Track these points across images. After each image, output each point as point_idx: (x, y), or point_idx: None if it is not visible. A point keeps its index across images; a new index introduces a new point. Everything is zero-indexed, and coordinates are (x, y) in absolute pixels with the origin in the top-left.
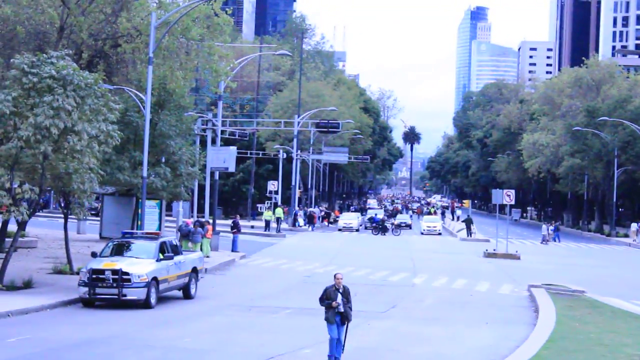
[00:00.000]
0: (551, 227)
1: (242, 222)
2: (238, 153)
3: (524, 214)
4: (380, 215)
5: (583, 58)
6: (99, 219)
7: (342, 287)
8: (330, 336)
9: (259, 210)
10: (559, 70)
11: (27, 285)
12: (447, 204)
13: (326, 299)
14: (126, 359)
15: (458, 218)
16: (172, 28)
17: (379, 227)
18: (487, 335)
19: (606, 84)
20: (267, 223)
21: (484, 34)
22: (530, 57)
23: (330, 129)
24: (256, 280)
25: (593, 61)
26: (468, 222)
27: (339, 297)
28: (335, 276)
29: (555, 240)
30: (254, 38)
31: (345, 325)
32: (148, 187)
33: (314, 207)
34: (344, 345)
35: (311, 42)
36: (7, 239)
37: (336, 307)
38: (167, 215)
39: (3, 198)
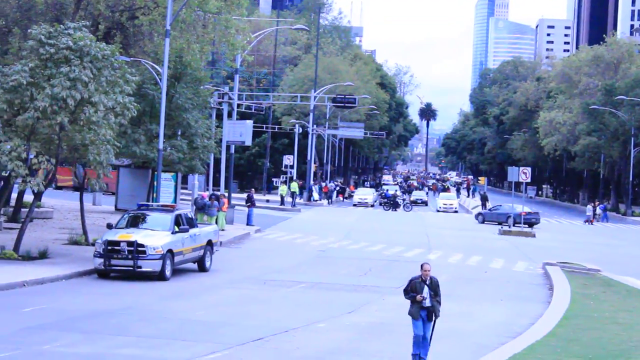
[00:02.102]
0: (600, 206)
1: (257, 196)
2: (254, 127)
3: (539, 192)
4: (394, 191)
5: (604, 36)
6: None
7: (429, 278)
8: (414, 333)
9: (274, 184)
10: (577, 48)
11: (43, 255)
12: (460, 181)
13: (411, 291)
14: (140, 330)
15: (474, 195)
16: (189, 0)
17: (390, 202)
18: (501, 312)
19: (624, 63)
20: (282, 197)
21: (502, 11)
22: (548, 35)
23: (346, 104)
24: (271, 254)
25: (612, 39)
26: (484, 199)
27: (426, 289)
28: (422, 267)
29: (604, 221)
30: (271, 12)
31: (433, 322)
32: (164, 159)
33: (329, 182)
34: (430, 343)
35: (328, 17)
36: (23, 209)
37: (421, 301)
38: (182, 188)
39: (19, 168)
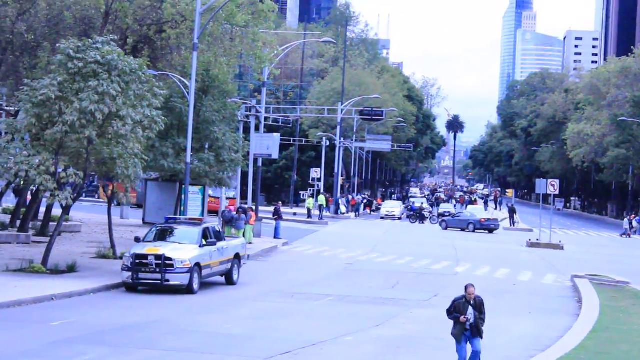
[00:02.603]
0: (636, 219)
1: (284, 209)
2: (281, 140)
3: (567, 204)
4: (419, 204)
5: (632, 47)
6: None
7: (473, 299)
8: (458, 355)
9: (301, 197)
10: (605, 60)
11: (71, 269)
12: (487, 193)
13: (455, 311)
14: (168, 344)
15: (501, 207)
16: (216, 14)
17: (416, 215)
18: (529, 325)
19: None
20: (309, 210)
21: (529, 22)
22: (576, 46)
23: (373, 117)
24: (298, 267)
25: None
26: (511, 212)
27: (470, 310)
28: (466, 288)
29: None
30: (298, 25)
31: (479, 338)
32: (191, 173)
33: (357, 194)
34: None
35: (355, 30)
36: (51, 223)
37: (465, 322)
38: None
39: (48, 182)
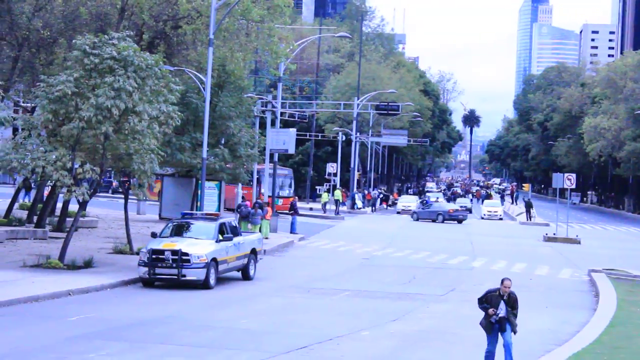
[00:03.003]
0: None
1: (300, 204)
2: (297, 135)
3: (584, 198)
4: (434, 199)
5: None
6: (158, 199)
7: (507, 294)
8: (487, 347)
9: (318, 192)
10: (621, 53)
11: (88, 264)
12: (504, 187)
13: (485, 302)
14: (185, 339)
15: (517, 201)
16: (232, 9)
17: None
18: (547, 320)
19: None
20: (324, 205)
21: (545, 16)
22: (592, 40)
23: (389, 112)
24: (314, 262)
25: None
26: (528, 206)
27: (502, 305)
28: (502, 282)
29: None
30: (314, 20)
31: (511, 332)
32: (207, 168)
33: (373, 189)
34: (511, 352)
35: (371, 24)
36: (68, 219)
37: (492, 315)
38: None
39: (64, 178)
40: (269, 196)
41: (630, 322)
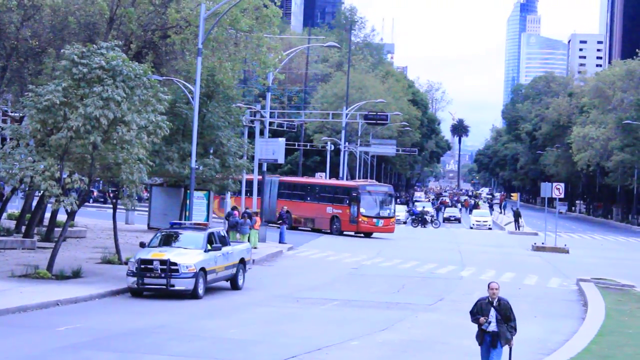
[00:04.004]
0: None
1: None
2: (286, 145)
3: (572, 207)
4: (421, 208)
5: (637, 50)
6: (147, 209)
7: (497, 300)
8: None
9: None
10: (609, 63)
11: (76, 274)
12: (491, 196)
13: (477, 313)
14: (174, 349)
15: (505, 211)
16: (221, 19)
17: (418, 219)
18: (535, 329)
19: None
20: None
21: (534, 26)
22: (580, 50)
23: (378, 121)
24: (303, 271)
25: None
26: (516, 215)
27: (492, 312)
28: (489, 286)
29: None
30: (302, 30)
31: (510, 351)
32: (196, 178)
33: None
34: None
35: (360, 34)
36: (56, 229)
37: (483, 324)
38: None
39: (53, 188)
40: (256, 211)
41: (619, 331)
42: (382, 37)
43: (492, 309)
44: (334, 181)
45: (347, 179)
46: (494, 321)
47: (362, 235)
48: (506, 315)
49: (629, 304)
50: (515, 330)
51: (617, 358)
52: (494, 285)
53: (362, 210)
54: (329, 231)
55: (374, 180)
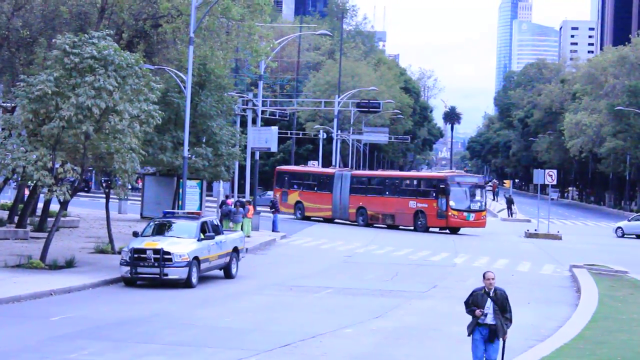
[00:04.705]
0: None
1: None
2: (278, 133)
3: (565, 194)
4: None
5: (630, 36)
6: (140, 199)
7: (494, 290)
8: (472, 355)
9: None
10: (601, 49)
11: (70, 264)
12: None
13: (472, 304)
14: (168, 338)
15: (498, 198)
16: (212, 8)
17: None
18: (529, 315)
19: None
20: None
21: (525, 13)
22: (572, 36)
23: (370, 109)
24: (297, 260)
25: (637, 40)
26: (509, 202)
27: (488, 303)
28: (484, 275)
29: None
30: (294, 18)
31: (501, 343)
32: (189, 167)
33: None
34: None
35: (352, 22)
36: (49, 219)
37: (480, 317)
38: (207, 195)
39: (45, 178)
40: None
41: (612, 317)
42: (374, 25)
43: (489, 299)
44: (417, 173)
45: (339, 167)
46: (491, 312)
47: (447, 231)
48: (502, 306)
49: (622, 290)
50: (511, 322)
51: (611, 344)
52: (489, 275)
53: (451, 203)
54: (412, 228)
55: (461, 171)
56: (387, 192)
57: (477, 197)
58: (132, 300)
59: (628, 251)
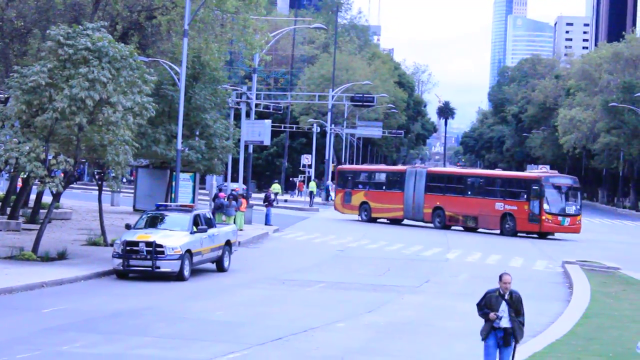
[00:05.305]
0: None
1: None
2: (272, 127)
3: None
4: None
5: (623, 33)
6: (132, 191)
7: (509, 292)
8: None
9: (293, 181)
10: (595, 46)
11: (62, 256)
12: None
13: (486, 306)
14: (159, 331)
15: None
16: (207, 0)
17: None
18: None
19: None
20: (312, 195)
21: (520, 8)
22: (567, 32)
23: (364, 103)
24: (289, 253)
25: (631, 37)
26: None
27: (503, 306)
28: (500, 277)
29: None
30: (289, 11)
31: (513, 347)
32: (182, 160)
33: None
34: None
35: (346, 16)
36: (41, 211)
37: (495, 319)
38: (200, 188)
39: (38, 169)
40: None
41: (604, 314)
42: (368, 19)
43: (504, 302)
44: (507, 172)
45: (332, 162)
46: (506, 316)
47: (535, 235)
48: (517, 309)
49: (614, 286)
50: (524, 325)
51: (603, 340)
52: (507, 279)
53: (545, 206)
54: (498, 231)
55: (555, 171)
56: (469, 192)
57: (573, 200)
58: (124, 292)
59: (621, 248)
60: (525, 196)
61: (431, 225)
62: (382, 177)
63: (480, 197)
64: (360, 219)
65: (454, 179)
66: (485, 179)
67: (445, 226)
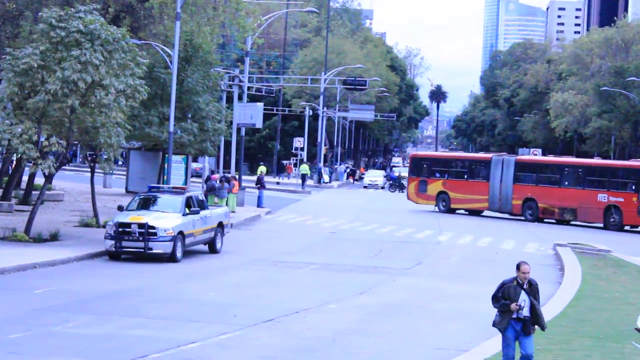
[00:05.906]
0: None
1: (267, 178)
2: (264, 110)
3: None
4: (397, 173)
5: (615, 18)
6: (125, 173)
7: (527, 282)
8: (503, 353)
9: (284, 164)
10: (587, 30)
11: (54, 237)
12: None
13: (503, 298)
14: (152, 312)
15: None
16: None
17: (395, 184)
18: None
19: (636, 45)
20: (304, 177)
21: None
22: (559, 17)
23: (357, 87)
24: (281, 235)
25: (623, 22)
26: None
27: (523, 296)
28: (518, 266)
29: None
30: None
31: (532, 336)
32: (174, 142)
33: (340, 163)
34: None
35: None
36: (34, 192)
37: (516, 310)
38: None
39: (30, 151)
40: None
41: (595, 296)
42: (360, 3)
43: (523, 292)
44: (610, 161)
45: (325, 145)
46: (527, 305)
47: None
48: (535, 298)
49: (605, 268)
50: (539, 316)
51: (594, 322)
52: (525, 268)
53: None
54: (601, 225)
55: None
56: (566, 182)
57: None
58: (117, 274)
59: (612, 231)
60: (633, 187)
61: (508, 216)
62: (464, 166)
63: (578, 187)
64: (437, 209)
65: (547, 168)
66: (586, 168)
67: (538, 219)
